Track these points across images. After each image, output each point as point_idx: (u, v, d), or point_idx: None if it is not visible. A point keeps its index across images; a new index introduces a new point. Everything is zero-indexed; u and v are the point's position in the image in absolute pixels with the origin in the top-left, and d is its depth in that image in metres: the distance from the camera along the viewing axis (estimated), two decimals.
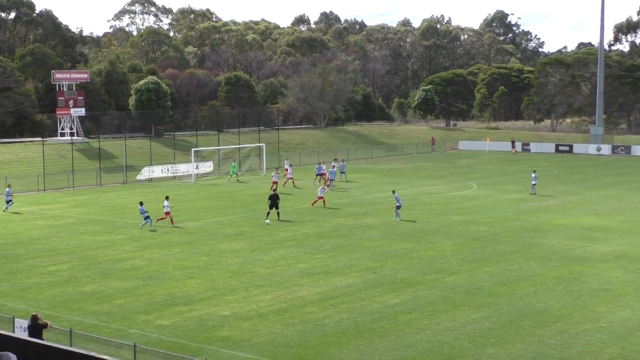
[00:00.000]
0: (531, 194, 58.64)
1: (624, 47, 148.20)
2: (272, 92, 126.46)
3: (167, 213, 47.12)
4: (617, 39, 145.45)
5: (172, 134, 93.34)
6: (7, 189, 54.39)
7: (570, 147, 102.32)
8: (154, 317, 27.76)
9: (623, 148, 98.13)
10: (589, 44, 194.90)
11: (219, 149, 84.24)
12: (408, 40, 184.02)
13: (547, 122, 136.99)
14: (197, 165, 76.86)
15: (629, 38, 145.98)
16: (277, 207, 48.23)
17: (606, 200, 55.67)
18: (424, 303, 29.12)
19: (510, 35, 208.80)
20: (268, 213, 47.99)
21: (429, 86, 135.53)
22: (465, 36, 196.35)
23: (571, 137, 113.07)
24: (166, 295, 30.64)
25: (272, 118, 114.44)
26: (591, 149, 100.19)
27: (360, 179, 72.11)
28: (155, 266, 35.89)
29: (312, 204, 53.74)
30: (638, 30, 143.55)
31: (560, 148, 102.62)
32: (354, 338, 25.15)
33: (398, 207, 48.15)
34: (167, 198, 48.65)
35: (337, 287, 31.69)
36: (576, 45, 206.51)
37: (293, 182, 66.52)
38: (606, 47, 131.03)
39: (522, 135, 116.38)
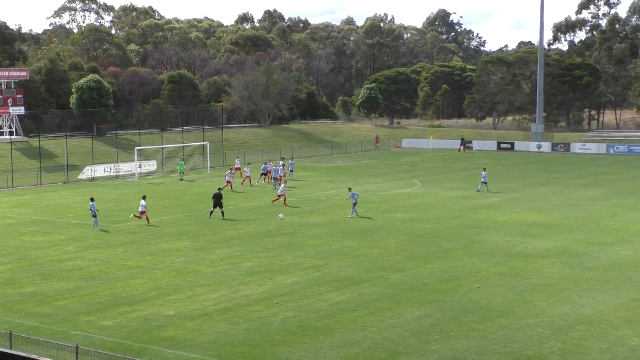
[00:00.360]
0: (477, 190, 59.33)
1: (563, 46, 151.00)
2: (216, 90, 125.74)
3: (142, 212, 46.84)
4: (556, 38, 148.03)
5: (114, 132, 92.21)
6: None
7: (512, 144, 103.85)
8: (96, 318, 27.39)
9: (562, 145, 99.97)
10: (529, 42, 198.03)
11: (162, 148, 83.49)
12: (352, 38, 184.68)
13: (489, 120, 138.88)
14: (140, 164, 76.06)
15: (568, 37, 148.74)
16: (220, 206, 48.17)
17: (546, 197, 56.60)
18: (368, 300, 29.22)
19: (453, 34, 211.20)
20: (211, 212, 48.06)
21: (373, 84, 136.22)
22: (409, 35, 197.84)
23: (512, 134, 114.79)
24: (109, 296, 30.27)
25: (216, 116, 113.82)
26: (532, 146, 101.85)
27: (305, 177, 72.15)
28: (98, 266, 35.42)
29: (273, 202, 53.77)
30: (576, 30, 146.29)
31: (502, 145, 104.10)
32: (299, 336, 25.13)
33: (354, 204, 48.33)
34: (144, 197, 48.27)
35: (282, 285, 31.65)
36: (517, 44, 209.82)
37: (250, 181, 66.18)
38: (546, 46, 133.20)
39: (464, 133, 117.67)
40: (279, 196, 53.55)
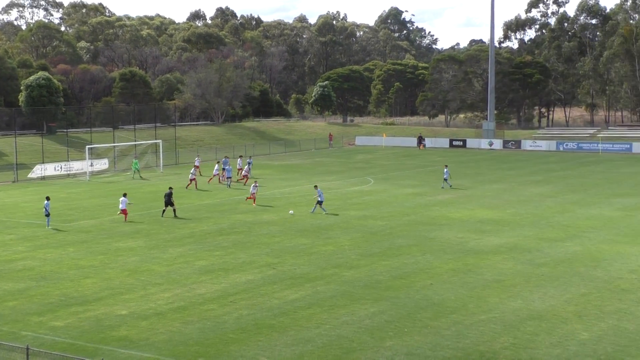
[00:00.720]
0: (442, 187, 59.94)
1: (514, 44, 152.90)
2: (169, 88, 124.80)
3: (124, 210, 46.78)
4: (506, 37, 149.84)
5: (65, 131, 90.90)
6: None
7: (464, 141, 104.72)
8: (47, 318, 27.02)
9: (513, 143, 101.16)
10: (480, 41, 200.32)
11: (114, 146, 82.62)
12: (305, 36, 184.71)
13: (442, 117, 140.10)
14: (91, 163, 75.25)
15: (518, 35, 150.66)
16: (172, 205, 48.04)
17: (498, 193, 57.21)
18: (323, 298, 29.23)
19: (405, 32, 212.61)
20: (163, 210, 48.05)
21: (326, 82, 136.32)
22: (361, 33, 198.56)
23: (464, 132, 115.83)
24: (60, 296, 29.89)
25: (169, 114, 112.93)
26: (483, 143, 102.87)
27: (259, 175, 71.92)
28: (48, 266, 34.95)
29: (246, 199, 53.62)
30: (526, 28, 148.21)
31: (454, 143, 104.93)
32: (253, 334, 25.05)
33: (320, 202, 48.52)
34: (124, 195, 48.08)
35: (237, 283, 31.53)
36: (468, 42, 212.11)
37: (219, 179, 65.72)
38: (497, 44, 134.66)
39: (417, 130, 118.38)
40: (252, 195, 52.80)
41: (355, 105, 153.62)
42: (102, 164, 78.57)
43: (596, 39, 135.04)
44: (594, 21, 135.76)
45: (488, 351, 23.32)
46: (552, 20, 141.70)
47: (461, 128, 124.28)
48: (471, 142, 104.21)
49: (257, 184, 54.42)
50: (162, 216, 47.54)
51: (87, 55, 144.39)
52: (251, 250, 37.85)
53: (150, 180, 69.55)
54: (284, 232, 42.50)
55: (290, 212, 48.73)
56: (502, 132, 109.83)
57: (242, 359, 22.95)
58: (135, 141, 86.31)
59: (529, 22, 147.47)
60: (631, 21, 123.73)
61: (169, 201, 48.03)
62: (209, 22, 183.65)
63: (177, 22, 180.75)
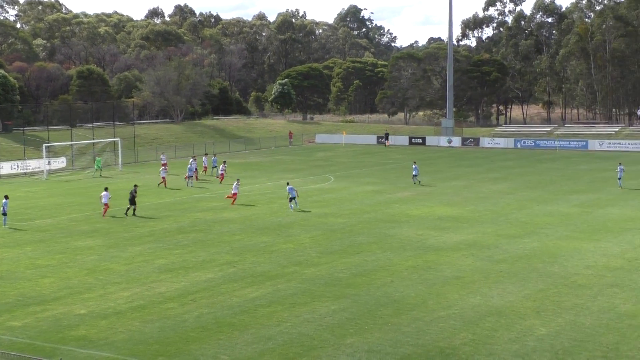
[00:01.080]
0: (414, 183, 60.54)
1: (471, 42, 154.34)
2: (127, 86, 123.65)
3: (106, 204, 47.21)
4: (464, 35, 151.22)
5: (21, 129, 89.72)
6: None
7: (423, 139, 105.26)
8: (5, 318, 26.66)
9: (472, 140, 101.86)
10: (439, 39, 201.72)
11: (72, 145, 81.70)
12: (264, 34, 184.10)
13: (401, 115, 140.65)
14: (49, 161, 74.35)
15: (476, 34, 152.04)
16: (134, 204, 47.82)
17: (457, 190, 57.58)
18: (283, 296, 29.19)
19: (364, 29, 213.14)
20: (127, 209, 47.86)
21: (286, 80, 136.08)
22: (320, 30, 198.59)
23: (424, 129, 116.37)
24: (18, 296, 29.51)
25: (127, 112, 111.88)
26: (442, 141, 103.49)
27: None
28: (5, 266, 34.48)
29: (227, 197, 53.31)
30: (484, 27, 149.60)
31: (414, 140, 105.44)
32: (214, 333, 24.96)
33: (291, 199, 48.55)
34: (106, 189, 48.46)
35: (197, 282, 31.38)
36: (427, 40, 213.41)
37: (196, 177, 65.07)
38: (455, 42, 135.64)
39: (377, 128, 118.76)
40: (234, 194, 51.98)
41: (315, 103, 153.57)
42: (59, 163, 77.70)
43: (552, 37, 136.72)
44: (550, 20, 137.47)
45: (448, 347, 23.43)
46: (509, 19, 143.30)
47: (420, 126, 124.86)
48: (430, 140, 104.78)
49: (239, 183, 53.41)
50: (126, 214, 47.27)
51: (44, 53, 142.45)
52: (211, 249, 37.67)
53: (111, 178, 68.83)
54: (244, 230, 42.37)
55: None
56: (461, 130, 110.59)
57: (203, 357, 22.83)
58: (93, 139, 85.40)
59: (487, 21, 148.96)
60: (586, 20, 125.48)
61: (132, 199, 47.74)
62: (168, 19, 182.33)
63: (135, 19, 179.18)
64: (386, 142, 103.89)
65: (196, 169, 64.65)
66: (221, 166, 66.38)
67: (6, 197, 45.42)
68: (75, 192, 59.47)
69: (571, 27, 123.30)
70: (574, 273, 32.10)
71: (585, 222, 43.78)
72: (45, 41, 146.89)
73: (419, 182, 60.75)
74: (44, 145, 74.90)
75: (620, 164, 59.62)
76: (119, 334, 24.97)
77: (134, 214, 47.33)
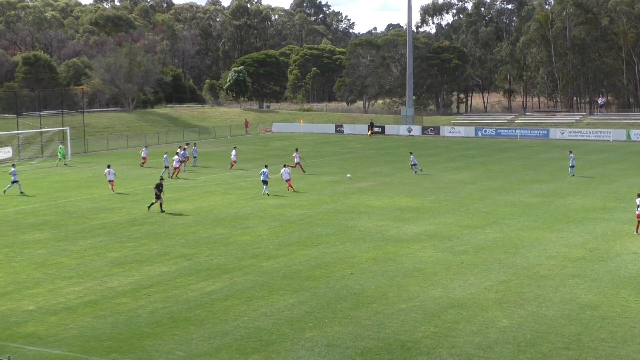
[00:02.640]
0: (415, 172, 60.33)
1: (431, 29, 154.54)
2: (76, 73, 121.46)
3: (111, 181, 50.20)
4: (424, 21, 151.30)
5: None
6: (13, 169, 54.03)
7: (383, 128, 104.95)
8: None
9: (432, 129, 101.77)
10: (398, 25, 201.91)
11: (18, 134, 79.80)
12: (218, 19, 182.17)
13: (360, 103, 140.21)
14: None
15: (436, 20, 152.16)
16: (159, 198, 44.83)
17: (417, 180, 57.25)
18: (240, 289, 28.64)
19: (321, 15, 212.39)
20: (151, 204, 45.19)
21: (241, 67, 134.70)
22: (277, 16, 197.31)
23: (383, 118, 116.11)
24: None
25: (76, 100, 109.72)
26: (402, 130, 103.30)
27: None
28: None
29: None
30: (444, 13, 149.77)
31: (374, 129, 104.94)
32: (169, 328, 24.43)
33: (264, 182, 50.11)
34: (109, 166, 50.08)
35: (151, 276, 30.71)
36: (385, 27, 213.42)
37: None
38: (414, 29, 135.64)
39: (335, 117, 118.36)
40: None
41: (272, 91, 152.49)
42: (5, 153, 76.00)
43: (513, 24, 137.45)
44: (510, 6, 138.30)
45: (409, 340, 23.14)
46: (469, 5, 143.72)
47: (380, 114, 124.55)
48: (390, 129, 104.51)
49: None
50: (149, 209, 44.81)
51: None
52: (165, 241, 36.92)
53: (54, 169, 67.44)
54: (199, 222, 41.59)
55: (348, 175, 55.42)
56: (421, 118, 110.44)
57: (157, 353, 22.31)
58: (40, 128, 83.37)
59: (446, 7, 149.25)
60: (546, 7, 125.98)
61: (158, 194, 44.81)
62: (118, 4, 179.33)
63: (83, 3, 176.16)
64: (369, 131, 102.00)
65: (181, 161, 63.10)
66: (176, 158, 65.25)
67: None
68: (22, 183, 57.92)
69: (531, 14, 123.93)
70: (536, 264, 31.92)
71: (547, 212, 43.73)
72: None
73: (420, 170, 60.43)
74: None
75: (570, 152, 59.98)
76: (70, 330, 24.37)
77: (161, 210, 44.85)
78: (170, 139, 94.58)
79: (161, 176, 51.82)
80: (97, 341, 23.32)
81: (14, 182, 52.95)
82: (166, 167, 61.34)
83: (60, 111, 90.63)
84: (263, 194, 49.81)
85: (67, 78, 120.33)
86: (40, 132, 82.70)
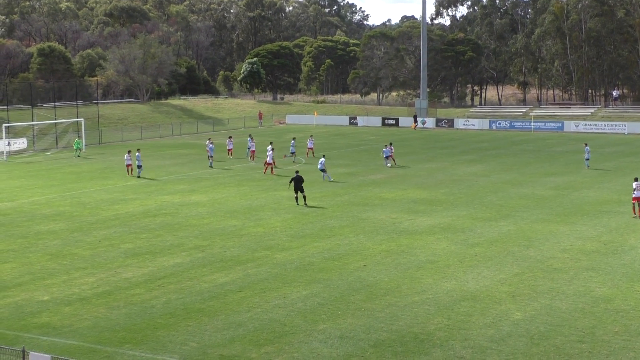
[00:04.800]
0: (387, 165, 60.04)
1: (445, 21, 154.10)
2: (90, 64, 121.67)
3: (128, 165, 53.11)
4: (438, 13, 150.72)
5: None
6: (137, 154, 56.35)
7: (397, 120, 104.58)
8: None
9: (446, 121, 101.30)
10: (412, 17, 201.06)
11: (33, 125, 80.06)
12: (232, 11, 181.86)
13: (374, 95, 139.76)
14: (9, 142, 72.77)
15: (450, 12, 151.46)
16: (302, 191, 43.62)
17: (431, 173, 57.11)
18: (254, 281, 28.65)
19: (336, 7, 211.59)
20: (296, 198, 43.93)
21: (255, 59, 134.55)
22: (291, 8, 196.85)
23: (397, 110, 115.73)
24: None
25: (91, 92, 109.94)
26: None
27: (186, 155, 70.84)
28: None
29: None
30: (458, 5, 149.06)
31: (387, 121, 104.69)
32: (182, 319, 24.46)
33: (323, 170, 52.36)
34: (129, 152, 51.61)
35: (164, 267, 30.75)
36: (400, 19, 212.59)
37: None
38: (428, 20, 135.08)
39: (349, 109, 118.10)
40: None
41: (286, 83, 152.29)
42: (20, 144, 76.17)
43: (527, 16, 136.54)
44: None
45: (422, 333, 23.12)
46: None
47: (393, 106, 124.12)
48: (404, 121, 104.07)
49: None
50: (297, 204, 43.69)
51: (2, 29, 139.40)
52: (179, 233, 36.96)
53: (69, 160, 67.59)
54: (213, 214, 41.61)
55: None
56: (435, 111, 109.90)
57: (171, 344, 22.36)
58: (55, 120, 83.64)
59: None
60: None
61: (298, 187, 43.59)
62: None
63: None
64: (413, 124, 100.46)
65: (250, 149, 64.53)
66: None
67: None
68: (37, 174, 58.29)
69: (547, 6, 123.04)
70: (550, 257, 31.80)
71: (561, 204, 43.52)
72: (3, 17, 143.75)
73: (390, 166, 59.95)
74: (4, 125, 73.40)
75: (586, 144, 59.69)
76: (84, 320, 24.42)
77: (305, 204, 43.54)
78: (184, 131, 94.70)
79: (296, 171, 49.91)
80: (111, 332, 23.38)
81: (139, 166, 55.60)
82: (210, 157, 61.53)
83: (74, 102, 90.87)
84: (330, 181, 52.12)
85: (82, 69, 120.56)
86: (55, 123, 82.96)
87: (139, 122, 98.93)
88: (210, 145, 62.56)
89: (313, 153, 66.47)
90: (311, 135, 72.98)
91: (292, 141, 67.33)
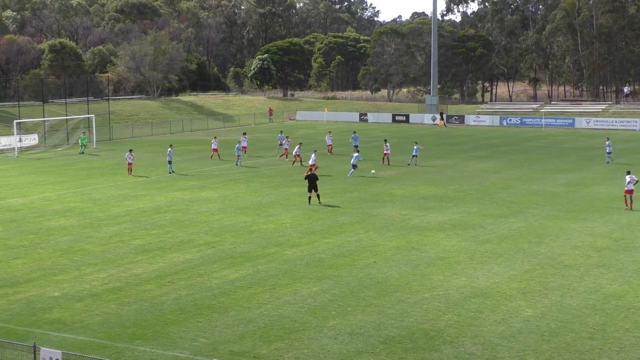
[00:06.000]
0: (408, 164, 59.11)
1: (456, 17, 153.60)
2: (101, 60, 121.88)
3: (129, 164, 53.12)
4: (449, 9, 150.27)
5: None
6: (169, 150, 56.64)
7: (407, 116, 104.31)
8: None
9: (457, 118, 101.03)
10: (423, 13, 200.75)
11: (44, 121, 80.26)
12: (243, 7, 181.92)
13: (384, 91, 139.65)
14: (20, 138, 72.96)
15: (461, 8, 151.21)
16: (316, 189, 42.76)
17: (441, 169, 57.01)
18: (264, 277, 28.66)
19: (346, 3, 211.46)
20: (309, 197, 43.05)
21: (265, 55, 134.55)
22: (301, 4, 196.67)
23: (407, 107, 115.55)
24: None
25: (102, 88, 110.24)
26: (427, 118, 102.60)
27: (196, 151, 70.94)
28: None
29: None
30: (469, 1, 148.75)
31: (397, 118, 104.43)
32: (193, 315, 24.49)
33: (354, 166, 53.02)
34: (130, 151, 53.35)
35: (175, 263, 30.78)
36: (410, 15, 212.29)
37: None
38: (439, 17, 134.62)
39: (359, 105, 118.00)
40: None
41: (296, 79, 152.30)
42: (31, 140, 76.35)
43: (538, 12, 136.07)
44: None
45: (432, 329, 23.10)
46: None
47: (404, 103, 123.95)
48: (414, 117, 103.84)
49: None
50: (309, 204, 42.92)
51: (14, 25, 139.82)
52: (189, 229, 36.97)
53: (79, 156, 67.74)
54: (223, 210, 41.63)
55: (372, 172, 53.69)
56: (446, 107, 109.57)
57: (181, 340, 22.39)
58: (66, 116, 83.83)
59: None
60: None
61: (313, 185, 42.69)
62: None
63: None
64: (440, 121, 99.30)
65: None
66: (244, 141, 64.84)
67: None
68: (47, 171, 58.42)
69: (558, 2, 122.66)
70: (560, 253, 31.72)
71: (572, 201, 43.41)
72: (15, 13, 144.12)
73: (415, 163, 58.99)
74: (15, 121, 73.56)
75: (608, 139, 59.51)
76: (95, 316, 24.46)
77: (319, 202, 42.80)
78: (195, 127, 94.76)
79: (310, 167, 48.77)
80: (121, 328, 23.42)
81: (169, 161, 55.91)
82: (238, 156, 60.01)
83: (85, 99, 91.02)
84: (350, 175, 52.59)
85: (93, 65, 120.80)
86: (66, 119, 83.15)
87: (149, 119, 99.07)
88: (237, 145, 61.25)
89: (332, 150, 66.51)
90: (329, 132, 72.82)
91: (280, 135, 67.85)
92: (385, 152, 60.01)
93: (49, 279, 28.58)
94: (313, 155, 53.05)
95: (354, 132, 70.80)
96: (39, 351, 18.14)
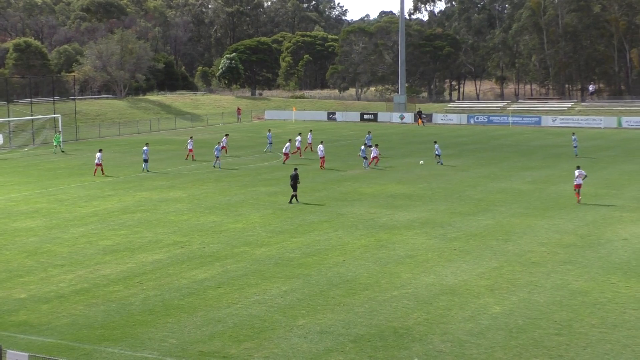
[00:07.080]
0: (437, 163, 58.47)
1: (424, 16, 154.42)
2: (67, 59, 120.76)
3: (98, 164, 53.18)
4: (416, 8, 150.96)
5: None
6: (145, 148, 56.89)
7: (375, 115, 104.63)
8: None
9: (425, 116, 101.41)
10: (390, 12, 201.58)
11: (9, 121, 79.34)
12: (210, 6, 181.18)
13: (352, 90, 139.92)
14: None
15: (428, 7, 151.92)
16: (294, 189, 42.89)
17: (410, 168, 57.20)
18: (233, 277, 28.58)
19: (314, 2, 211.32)
20: (292, 196, 43.11)
21: (233, 54, 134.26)
22: (269, 3, 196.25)
23: (375, 105, 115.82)
24: None
25: (68, 87, 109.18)
26: (395, 117, 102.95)
27: (164, 151, 70.54)
28: None
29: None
30: (436, 0, 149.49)
31: (366, 117, 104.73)
32: (161, 316, 24.35)
33: (364, 158, 55.70)
34: (100, 150, 53.15)
35: (143, 263, 30.59)
36: (378, 14, 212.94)
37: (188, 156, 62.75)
38: (407, 16, 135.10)
39: (328, 104, 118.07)
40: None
41: (264, 79, 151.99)
42: None
43: (505, 11, 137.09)
44: None
45: (401, 327, 23.15)
46: None
47: (372, 101, 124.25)
48: (382, 116, 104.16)
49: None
50: (290, 202, 42.91)
51: None
52: (158, 229, 36.78)
53: (45, 156, 67.10)
54: (191, 210, 41.46)
55: (420, 162, 56.78)
56: (414, 106, 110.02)
57: (150, 341, 22.24)
58: (32, 116, 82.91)
59: None
60: None
61: (295, 184, 42.85)
62: None
63: None
64: (419, 120, 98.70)
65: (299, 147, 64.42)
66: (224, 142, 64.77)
67: None
68: (13, 171, 57.82)
69: (524, 1, 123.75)
70: (528, 250, 31.96)
71: (539, 198, 43.77)
72: None
73: (440, 162, 58.48)
74: None
75: (573, 134, 60.11)
76: (62, 318, 24.25)
77: (296, 201, 42.92)
78: (163, 127, 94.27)
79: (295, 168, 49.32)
80: (89, 329, 23.22)
81: (145, 160, 56.11)
82: (217, 157, 58.32)
83: (51, 98, 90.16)
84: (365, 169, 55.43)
85: (59, 65, 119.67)
86: (32, 119, 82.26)
87: (116, 118, 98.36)
88: (216, 146, 60.37)
89: (312, 147, 66.70)
90: (310, 130, 72.81)
91: (269, 133, 68.79)
92: (373, 155, 59.61)
93: (15, 281, 28.27)
94: (321, 146, 57.25)
95: (369, 132, 71.10)
96: (5, 354, 17.93)
